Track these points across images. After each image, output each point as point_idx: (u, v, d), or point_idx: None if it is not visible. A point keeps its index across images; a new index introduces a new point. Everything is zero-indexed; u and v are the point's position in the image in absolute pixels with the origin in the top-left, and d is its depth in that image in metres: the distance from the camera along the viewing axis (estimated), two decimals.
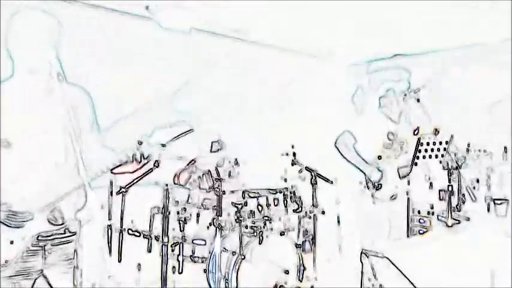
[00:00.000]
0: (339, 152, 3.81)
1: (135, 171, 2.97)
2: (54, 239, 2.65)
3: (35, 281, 2.62)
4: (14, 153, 2.58)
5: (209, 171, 3.35)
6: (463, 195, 3.56)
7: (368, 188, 3.80)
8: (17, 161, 2.58)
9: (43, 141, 2.64)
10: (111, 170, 2.89)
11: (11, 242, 2.56)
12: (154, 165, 3.00)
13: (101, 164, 2.84)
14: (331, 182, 3.70)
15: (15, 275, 2.55)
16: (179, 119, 3.19)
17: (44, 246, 2.62)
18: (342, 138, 3.81)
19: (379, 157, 3.81)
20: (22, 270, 2.57)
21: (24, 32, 2.65)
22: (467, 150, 3.57)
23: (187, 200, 3.28)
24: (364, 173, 3.82)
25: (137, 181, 3.05)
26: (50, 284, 2.65)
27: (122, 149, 2.93)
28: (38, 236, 2.61)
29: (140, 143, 2.95)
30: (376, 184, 3.77)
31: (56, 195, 2.66)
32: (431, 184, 3.67)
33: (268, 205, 3.47)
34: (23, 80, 2.64)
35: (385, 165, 3.79)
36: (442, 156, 3.63)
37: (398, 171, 3.75)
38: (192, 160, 3.33)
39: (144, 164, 2.95)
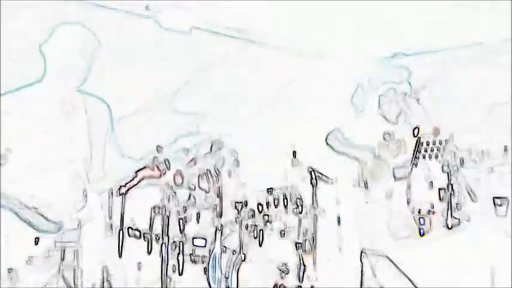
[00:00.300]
0: (332, 147, 3.79)
1: (160, 176, 3.01)
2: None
3: (54, 280, 2.64)
4: (37, 156, 2.61)
5: (208, 170, 3.35)
6: (463, 195, 3.56)
7: (359, 185, 3.79)
8: (41, 164, 2.62)
9: (62, 146, 2.68)
10: (136, 171, 2.93)
11: (36, 240, 2.58)
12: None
13: (119, 172, 2.89)
14: (331, 182, 3.70)
15: (37, 273, 2.58)
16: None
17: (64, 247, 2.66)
18: (333, 134, 3.80)
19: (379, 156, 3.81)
20: (43, 269, 2.60)
21: (63, 43, 2.73)
22: (468, 150, 3.57)
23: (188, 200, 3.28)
24: (359, 161, 3.79)
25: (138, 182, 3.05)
26: (68, 285, 2.67)
27: (124, 147, 2.95)
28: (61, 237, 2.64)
29: (160, 148, 2.98)
30: (365, 182, 3.76)
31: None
32: (431, 184, 3.66)
33: (268, 205, 3.47)
34: (51, 86, 2.71)
35: (381, 166, 3.78)
36: (442, 156, 3.63)
37: (393, 172, 3.74)
38: (192, 159, 3.33)
39: (165, 172, 2.99)
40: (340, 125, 3.82)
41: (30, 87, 2.73)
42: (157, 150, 2.99)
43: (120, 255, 3.08)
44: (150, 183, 3.13)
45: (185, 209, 3.22)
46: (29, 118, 2.68)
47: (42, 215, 2.58)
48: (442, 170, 3.62)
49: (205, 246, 3.26)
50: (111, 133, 2.92)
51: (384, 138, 3.78)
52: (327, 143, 3.78)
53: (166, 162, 2.98)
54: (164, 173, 3.03)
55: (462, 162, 3.57)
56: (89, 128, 2.79)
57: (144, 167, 2.96)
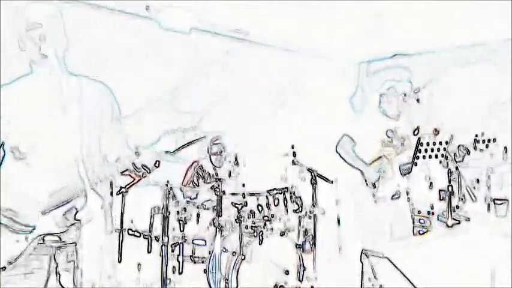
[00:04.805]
0: (340, 156, 3.80)
1: (139, 180, 2.99)
2: (57, 241, 2.67)
3: (48, 279, 2.64)
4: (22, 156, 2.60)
5: (208, 172, 3.36)
6: (463, 195, 3.56)
7: (367, 185, 3.80)
8: (24, 163, 2.60)
9: (48, 142, 2.65)
10: (122, 172, 2.91)
11: (17, 241, 2.59)
12: (154, 165, 3.00)
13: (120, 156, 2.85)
14: (331, 182, 3.70)
15: (27, 273, 2.58)
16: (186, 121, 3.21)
17: (53, 247, 2.66)
18: (342, 142, 3.80)
19: (378, 158, 3.81)
20: (32, 268, 2.60)
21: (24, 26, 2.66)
22: (467, 150, 3.57)
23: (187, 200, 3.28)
24: (363, 174, 3.81)
25: (137, 181, 3.05)
26: (60, 282, 2.67)
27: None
28: (43, 237, 2.63)
29: (137, 153, 2.95)
30: (372, 184, 3.77)
31: (63, 198, 2.68)
32: (431, 184, 3.66)
33: (268, 205, 3.47)
34: (38, 77, 2.66)
35: (386, 164, 3.79)
36: (442, 156, 3.63)
37: (399, 169, 3.74)
38: (194, 161, 3.35)
39: (144, 177, 2.96)
40: (339, 126, 3.82)
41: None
42: (136, 155, 2.95)
43: (120, 256, 3.08)
44: (149, 183, 3.13)
45: (185, 209, 3.22)
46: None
47: (11, 218, 2.57)
48: (442, 170, 3.62)
49: (205, 244, 3.26)
50: (118, 116, 2.87)
51: (388, 135, 3.78)
52: (337, 151, 3.79)
53: (145, 168, 2.94)
54: (144, 177, 2.98)
55: (462, 162, 3.57)
56: (82, 116, 2.73)
57: (126, 170, 2.93)
